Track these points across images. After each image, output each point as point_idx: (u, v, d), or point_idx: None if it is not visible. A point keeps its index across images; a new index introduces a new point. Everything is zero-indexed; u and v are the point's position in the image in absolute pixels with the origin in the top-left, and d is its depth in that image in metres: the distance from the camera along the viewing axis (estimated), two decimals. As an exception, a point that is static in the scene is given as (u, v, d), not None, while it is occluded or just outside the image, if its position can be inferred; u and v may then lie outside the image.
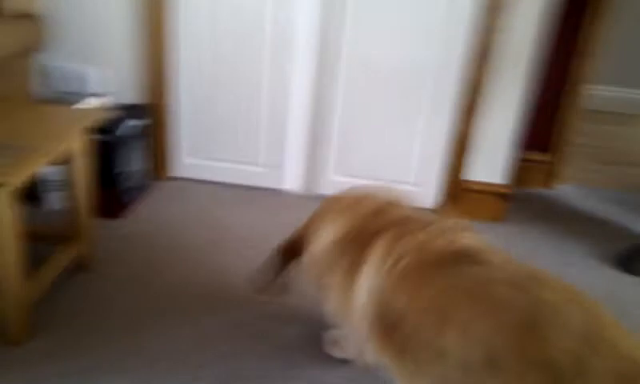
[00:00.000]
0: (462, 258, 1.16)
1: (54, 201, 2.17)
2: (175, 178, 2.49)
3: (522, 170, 2.57)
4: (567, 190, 2.63)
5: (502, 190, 2.30)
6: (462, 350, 1.02)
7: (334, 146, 2.34)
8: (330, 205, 1.44)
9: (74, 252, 1.81)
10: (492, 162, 2.28)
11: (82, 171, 1.76)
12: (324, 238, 1.35)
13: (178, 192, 2.40)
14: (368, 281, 1.21)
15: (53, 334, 1.61)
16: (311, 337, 1.68)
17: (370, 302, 1.20)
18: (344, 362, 1.57)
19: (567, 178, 2.67)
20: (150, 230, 2.13)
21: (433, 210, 2.37)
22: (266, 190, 2.45)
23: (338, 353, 1.59)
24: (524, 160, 2.56)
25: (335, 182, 2.39)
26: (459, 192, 2.32)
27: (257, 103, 2.31)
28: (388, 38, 2.14)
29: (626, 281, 2.03)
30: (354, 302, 1.24)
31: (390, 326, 1.15)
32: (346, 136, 2.31)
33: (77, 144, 1.71)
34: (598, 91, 3.09)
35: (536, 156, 2.59)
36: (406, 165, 2.33)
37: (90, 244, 1.87)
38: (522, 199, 2.51)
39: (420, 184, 2.34)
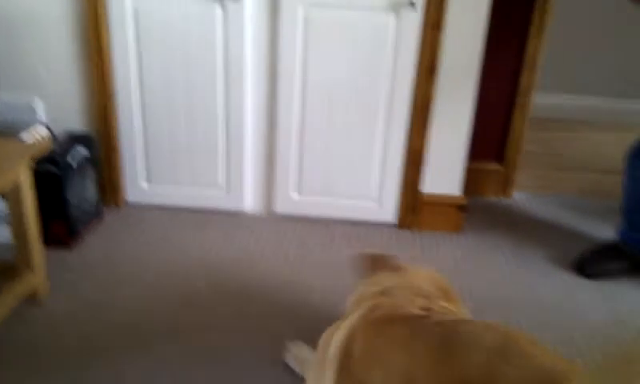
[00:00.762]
0: (425, 316, 1.22)
1: (5, 234, 2.11)
2: (132, 205, 2.44)
3: (478, 180, 2.61)
4: (522, 198, 2.67)
5: (459, 201, 2.33)
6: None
7: (292, 165, 2.34)
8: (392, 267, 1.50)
9: (25, 286, 1.76)
10: (448, 174, 2.31)
11: (30, 202, 1.72)
12: (368, 286, 1.42)
13: (134, 218, 2.36)
14: (348, 324, 1.28)
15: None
16: (268, 363, 1.66)
17: (342, 341, 1.26)
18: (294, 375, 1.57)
19: (522, 185, 2.72)
20: (104, 260, 2.09)
21: (394, 225, 2.38)
22: (226, 212, 2.42)
23: (293, 364, 1.63)
24: (479, 170, 2.60)
25: (295, 201, 2.39)
26: (418, 205, 2.34)
27: (213, 126, 2.30)
28: (339, 59, 2.16)
29: (582, 284, 2.07)
30: (335, 338, 1.30)
31: (345, 367, 1.22)
32: (303, 155, 2.32)
33: (23, 174, 1.67)
34: (543, 99, 3.16)
35: (491, 166, 2.64)
36: (366, 181, 2.34)
37: (40, 276, 1.82)
38: (479, 209, 2.54)
39: (380, 199, 2.35)
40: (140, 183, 2.42)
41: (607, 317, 1.90)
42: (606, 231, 2.35)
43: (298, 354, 1.63)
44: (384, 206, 2.37)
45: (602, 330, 1.84)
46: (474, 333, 1.07)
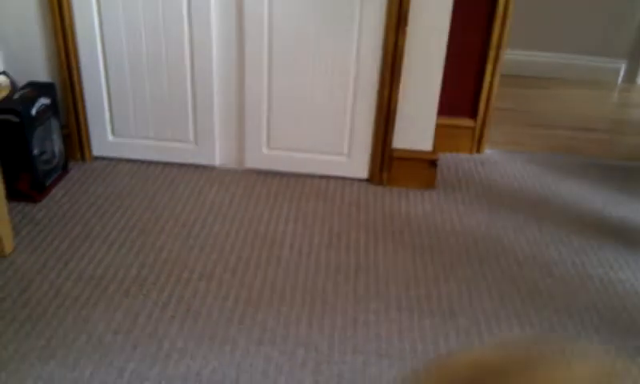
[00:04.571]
0: None
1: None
2: (100, 158, 2.39)
3: (450, 136, 2.61)
4: (494, 154, 2.69)
5: (431, 157, 2.33)
6: None
7: (264, 119, 2.30)
8: None
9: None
10: (419, 129, 2.30)
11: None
12: None
13: (101, 172, 2.31)
14: None
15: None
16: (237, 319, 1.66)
17: None
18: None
19: (493, 142, 2.73)
20: (71, 213, 2.05)
21: (365, 180, 2.38)
22: (197, 166, 2.39)
23: None
24: (451, 126, 2.60)
25: (267, 155, 2.36)
26: (390, 161, 2.34)
27: (181, 78, 2.24)
28: (309, 8, 2.11)
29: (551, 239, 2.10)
30: None
31: None
32: (275, 109, 2.28)
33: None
34: (512, 56, 3.16)
35: (463, 121, 2.64)
36: (338, 136, 2.32)
37: (6, 230, 1.78)
38: (451, 165, 2.55)
39: (352, 155, 2.34)
40: (106, 136, 2.36)
41: (572, 269, 1.95)
42: (573, 187, 2.39)
43: None
44: (355, 161, 2.36)
45: (568, 282, 1.89)
46: None
